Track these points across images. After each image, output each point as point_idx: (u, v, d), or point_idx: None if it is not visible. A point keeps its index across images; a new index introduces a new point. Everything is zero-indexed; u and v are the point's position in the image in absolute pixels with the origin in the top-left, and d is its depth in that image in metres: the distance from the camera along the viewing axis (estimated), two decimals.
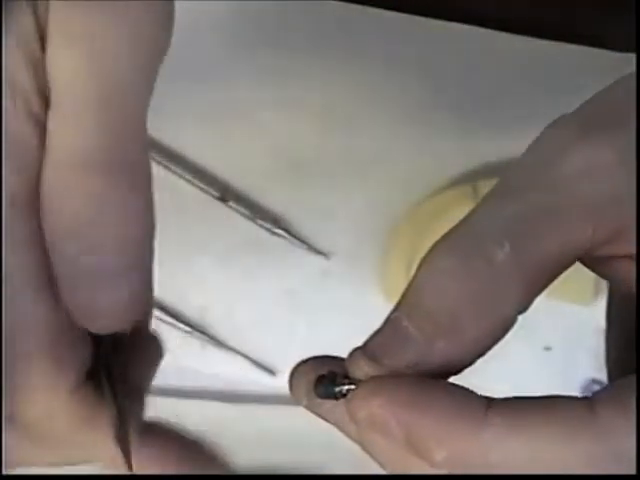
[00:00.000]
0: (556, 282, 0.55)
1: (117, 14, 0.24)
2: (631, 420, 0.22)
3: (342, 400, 0.24)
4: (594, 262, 0.25)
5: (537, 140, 0.25)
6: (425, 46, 0.56)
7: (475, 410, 0.23)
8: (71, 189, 0.24)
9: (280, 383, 0.52)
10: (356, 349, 0.25)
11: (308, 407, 0.26)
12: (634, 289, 0.25)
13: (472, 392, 0.24)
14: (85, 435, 0.27)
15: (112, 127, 0.24)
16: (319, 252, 0.54)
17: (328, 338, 0.50)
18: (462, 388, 0.24)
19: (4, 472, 0.50)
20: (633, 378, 0.23)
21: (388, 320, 0.24)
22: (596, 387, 0.51)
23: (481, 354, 0.24)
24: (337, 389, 0.24)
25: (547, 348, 0.53)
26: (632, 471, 0.22)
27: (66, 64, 0.23)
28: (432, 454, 0.23)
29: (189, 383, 0.53)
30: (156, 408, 0.52)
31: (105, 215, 0.24)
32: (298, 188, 0.55)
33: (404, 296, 0.24)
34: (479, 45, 0.56)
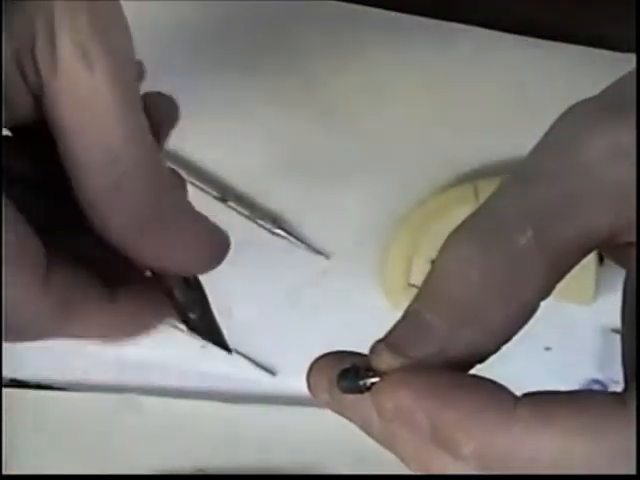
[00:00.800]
0: None
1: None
2: None
3: (366, 395, 0.24)
4: (613, 249, 0.25)
5: (557, 123, 0.25)
6: (425, 46, 0.56)
7: (504, 403, 0.22)
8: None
9: (280, 383, 0.52)
10: (378, 341, 0.24)
11: (329, 404, 0.25)
12: None
13: (500, 385, 0.23)
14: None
15: (134, 123, 0.26)
16: (319, 252, 0.54)
17: (328, 338, 0.50)
18: (490, 381, 0.23)
19: (4, 472, 0.50)
20: None
21: (409, 311, 0.24)
22: (596, 387, 0.51)
23: (506, 341, 0.24)
24: (361, 382, 0.24)
25: (547, 348, 0.53)
26: None
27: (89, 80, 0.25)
28: (459, 447, 0.22)
29: (189, 383, 0.53)
30: (156, 408, 0.52)
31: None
32: (298, 188, 0.55)
33: (424, 286, 0.24)
34: (479, 45, 0.56)
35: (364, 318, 0.51)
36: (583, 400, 0.22)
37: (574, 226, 0.23)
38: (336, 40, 0.57)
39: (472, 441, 0.22)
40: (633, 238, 0.24)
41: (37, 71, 0.25)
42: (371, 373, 0.24)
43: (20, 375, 0.52)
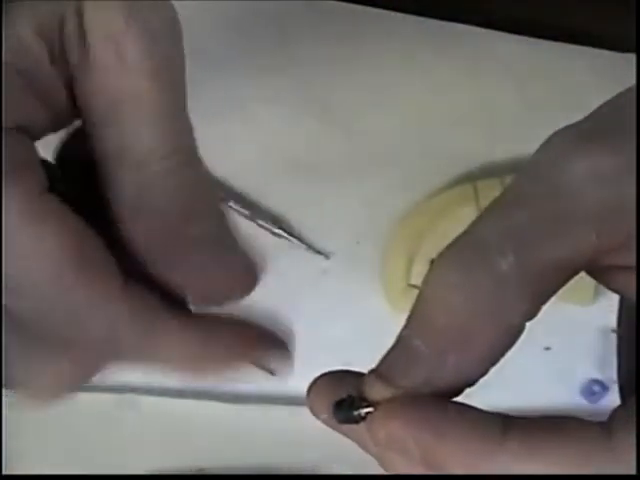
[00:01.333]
0: None
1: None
2: None
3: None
4: (597, 271, 0.25)
5: (540, 149, 0.25)
6: (425, 46, 0.56)
7: (492, 433, 0.23)
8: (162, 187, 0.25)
9: (280, 383, 0.52)
10: (371, 371, 0.25)
11: (328, 423, 0.26)
12: (633, 300, 0.25)
13: (488, 413, 0.24)
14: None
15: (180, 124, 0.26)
16: (319, 252, 0.54)
17: (328, 338, 0.50)
18: (477, 410, 0.24)
19: (4, 472, 0.50)
20: None
21: (398, 339, 0.24)
22: (596, 387, 0.51)
23: (493, 364, 0.24)
24: (356, 413, 0.24)
25: (547, 348, 0.53)
26: None
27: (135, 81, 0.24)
28: (447, 472, 0.23)
29: (189, 383, 0.53)
30: (157, 408, 0.52)
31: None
32: (298, 188, 0.55)
33: (412, 313, 0.24)
34: (479, 45, 0.56)
35: (364, 318, 0.51)
36: (570, 431, 0.23)
37: (555, 249, 0.23)
38: (336, 40, 0.57)
39: (461, 470, 0.23)
40: (614, 261, 0.24)
41: (66, 61, 0.24)
42: (365, 403, 0.24)
43: None
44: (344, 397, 0.25)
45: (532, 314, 0.24)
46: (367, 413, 0.24)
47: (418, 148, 0.55)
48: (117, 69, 0.24)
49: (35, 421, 0.52)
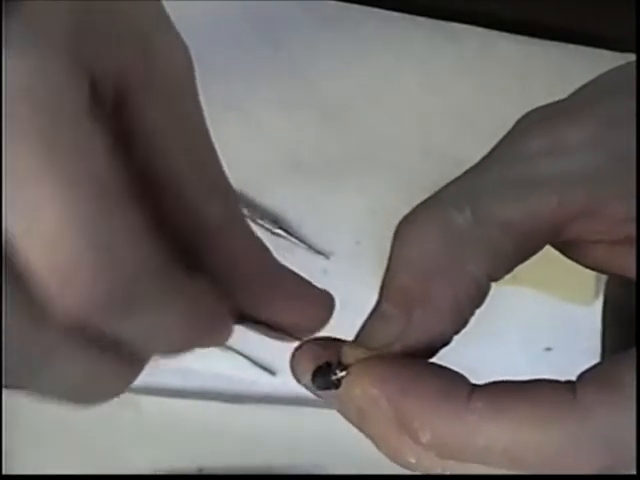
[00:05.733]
0: (556, 282, 0.55)
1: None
2: (614, 400, 0.22)
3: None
4: (568, 247, 0.26)
5: (509, 130, 0.26)
6: (425, 46, 0.56)
7: (459, 394, 0.23)
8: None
9: (280, 383, 0.52)
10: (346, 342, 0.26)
11: (308, 388, 0.26)
12: (606, 271, 0.26)
13: (458, 374, 0.24)
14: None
15: None
16: (319, 252, 0.54)
17: None
18: (448, 370, 0.24)
19: (4, 472, 0.50)
20: (616, 358, 0.23)
21: (373, 306, 0.25)
22: None
23: (463, 323, 0.25)
24: (334, 377, 0.25)
25: (547, 348, 0.53)
26: (619, 452, 0.22)
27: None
28: (418, 435, 0.23)
29: (189, 383, 0.53)
30: (156, 408, 0.52)
31: None
32: (298, 188, 0.55)
33: (383, 278, 0.25)
34: (479, 45, 0.56)
35: (364, 318, 0.51)
36: (535, 391, 0.23)
37: (512, 207, 0.24)
38: (336, 40, 0.57)
39: (429, 430, 0.23)
40: (583, 234, 0.24)
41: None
42: (342, 368, 0.25)
43: None
44: (322, 363, 0.25)
45: (495, 273, 0.24)
46: (344, 378, 0.25)
47: (418, 148, 0.55)
48: (178, 85, 0.24)
49: (35, 421, 0.52)
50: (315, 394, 0.26)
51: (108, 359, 0.22)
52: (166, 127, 0.23)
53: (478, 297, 0.24)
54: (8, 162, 0.18)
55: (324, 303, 0.27)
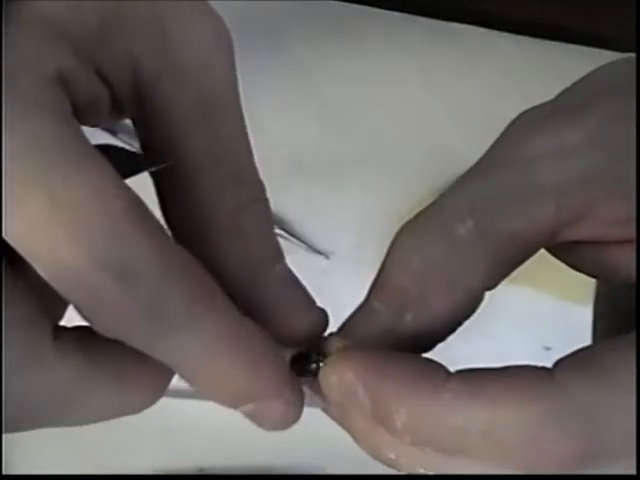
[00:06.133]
0: (556, 282, 0.55)
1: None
2: (592, 376, 0.22)
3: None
4: (562, 250, 0.26)
5: (507, 127, 0.26)
6: (425, 46, 0.56)
7: (435, 376, 0.23)
8: None
9: None
10: (330, 334, 0.26)
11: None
12: (600, 274, 0.26)
13: (434, 361, 0.24)
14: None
15: None
16: (319, 252, 0.54)
17: None
18: (426, 358, 0.24)
19: (4, 472, 0.50)
20: (595, 345, 0.23)
21: (360, 304, 0.25)
22: None
23: (452, 330, 0.25)
24: (313, 366, 0.25)
25: (547, 348, 0.53)
26: (600, 430, 0.22)
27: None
28: (393, 419, 0.23)
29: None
30: (157, 408, 0.52)
31: None
32: (298, 188, 0.55)
33: (374, 280, 0.25)
34: (479, 45, 0.56)
35: None
36: (512, 372, 0.23)
37: (515, 218, 0.24)
38: (336, 40, 0.57)
39: (404, 411, 0.23)
40: (577, 235, 0.24)
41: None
42: (321, 357, 0.25)
43: None
44: (302, 351, 0.25)
45: (493, 282, 0.24)
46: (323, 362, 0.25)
47: (418, 148, 0.55)
48: (204, 73, 0.23)
49: None
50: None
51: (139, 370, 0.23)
52: (186, 114, 0.23)
53: (471, 307, 0.24)
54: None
55: (319, 319, 0.26)
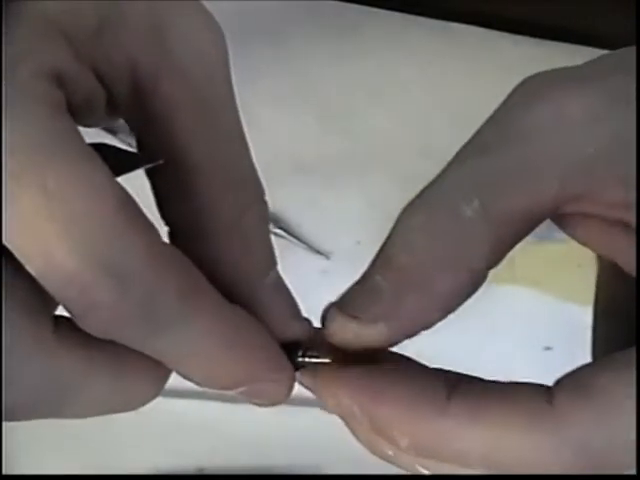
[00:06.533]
0: (556, 282, 0.55)
1: None
2: (589, 406, 0.22)
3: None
4: (564, 220, 0.25)
5: (508, 96, 0.25)
6: (425, 46, 0.56)
7: (436, 399, 0.23)
8: None
9: None
10: (331, 304, 0.26)
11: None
12: (606, 253, 0.25)
13: (434, 374, 0.24)
14: None
15: None
16: (319, 252, 0.54)
17: None
18: (423, 371, 0.24)
19: (4, 472, 0.50)
20: (596, 364, 0.23)
21: (362, 275, 0.25)
22: None
23: (452, 310, 0.24)
24: (300, 359, 0.25)
25: (547, 348, 0.53)
26: (594, 459, 0.22)
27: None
28: (396, 441, 0.23)
29: (189, 383, 0.53)
30: (157, 408, 0.52)
31: None
32: (298, 188, 0.55)
33: (377, 254, 0.25)
34: (479, 45, 0.56)
35: None
36: (512, 396, 0.23)
37: (520, 196, 0.23)
38: (336, 40, 0.57)
39: (406, 436, 0.23)
40: (582, 209, 0.24)
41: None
42: (308, 352, 0.25)
43: None
44: (289, 342, 0.25)
45: (495, 261, 0.24)
46: (312, 359, 0.25)
47: (418, 148, 0.55)
48: (203, 74, 0.23)
49: (35, 421, 0.52)
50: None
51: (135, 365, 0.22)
52: (186, 115, 0.23)
53: (473, 289, 0.24)
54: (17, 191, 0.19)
55: (303, 330, 0.26)
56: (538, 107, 0.24)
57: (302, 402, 0.51)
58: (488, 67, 0.56)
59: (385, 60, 0.57)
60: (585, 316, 0.54)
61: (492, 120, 0.25)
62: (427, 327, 0.24)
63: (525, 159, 0.23)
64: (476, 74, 0.56)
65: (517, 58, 0.56)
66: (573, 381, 0.23)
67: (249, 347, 0.23)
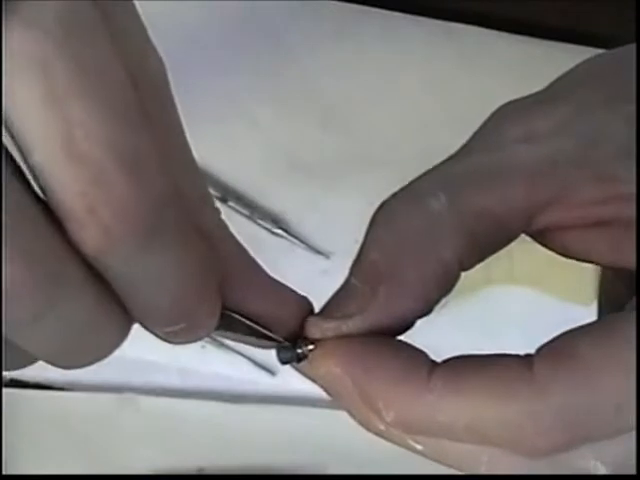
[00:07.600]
0: (556, 282, 0.55)
1: None
2: (569, 374, 0.22)
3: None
4: (543, 236, 0.26)
5: (485, 120, 0.27)
6: (425, 46, 0.57)
7: (419, 374, 0.23)
8: None
9: (280, 383, 0.52)
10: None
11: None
12: (587, 257, 0.26)
13: (419, 352, 0.24)
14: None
15: None
16: (319, 252, 0.54)
17: None
18: (410, 348, 0.24)
19: (4, 472, 0.50)
20: (574, 332, 0.24)
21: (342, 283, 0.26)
22: None
23: (429, 306, 0.25)
24: (299, 351, 0.25)
25: None
26: (573, 427, 0.22)
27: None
28: (382, 414, 0.24)
29: (189, 383, 0.53)
30: (156, 408, 0.52)
31: None
32: (298, 188, 0.55)
33: (354, 258, 0.26)
34: (479, 45, 0.56)
35: None
36: (493, 367, 0.23)
37: (486, 194, 0.24)
38: (336, 40, 0.57)
39: (391, 410, 0.24)
40: (554, 220, 0.25)
41: None
42: (307, 343, 0.25)
43: (20, 375, 0.52)
44: (288, 337, 0.26)
45: (467, 260, 0.25)
46: (309, 351, 0.25)
47: (418, 148, 0.55)
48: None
49: (35, 421, 0.52)
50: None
51: (105, 307, 0.21)
52: None
53: (445, 281, 0.25)
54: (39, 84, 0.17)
55: (302, 301, 0.27)
56: (508, 127, 0.26)
57: (302, 402, 0.51)
58: (488, 67, 0.56)
59: (385, 60, 0.57)
60: (585, 316, 0.54)
61: (467, 140, 0.27)
62: (407, 319, 0.25)
63: (492, 163, 0.25)
64: (476, 74, 0.56)
65: (517, 58, 0.56)
66: (552, 349, 0.24)
67: (210, 280, 0.23)
